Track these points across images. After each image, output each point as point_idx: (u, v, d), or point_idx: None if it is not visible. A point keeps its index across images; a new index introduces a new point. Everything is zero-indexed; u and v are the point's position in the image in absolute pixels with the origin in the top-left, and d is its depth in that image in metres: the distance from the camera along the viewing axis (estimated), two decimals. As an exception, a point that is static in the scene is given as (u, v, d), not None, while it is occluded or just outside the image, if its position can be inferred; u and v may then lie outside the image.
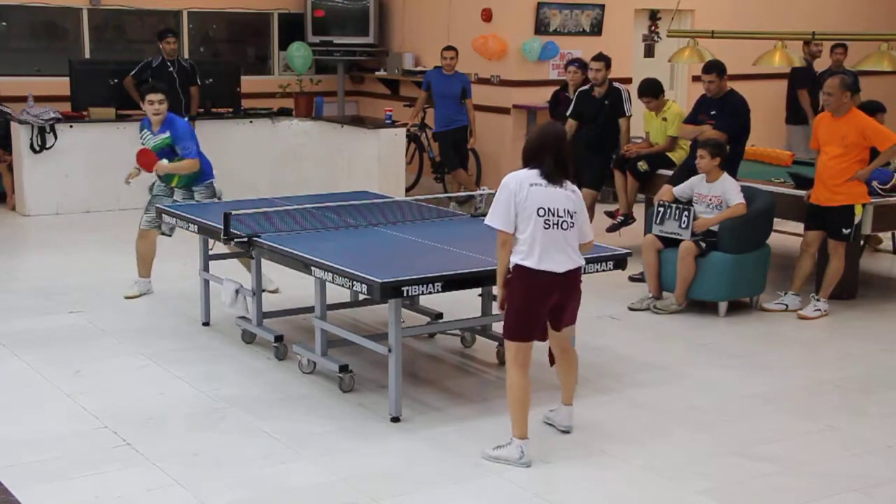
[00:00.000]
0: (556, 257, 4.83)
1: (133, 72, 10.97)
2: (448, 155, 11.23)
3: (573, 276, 4.94)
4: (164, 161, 7.53)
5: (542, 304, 4.89)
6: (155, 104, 7.51)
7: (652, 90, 9.05)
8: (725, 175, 7.54)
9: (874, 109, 8.24)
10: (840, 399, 6.03)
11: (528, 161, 4.92)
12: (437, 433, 5.32)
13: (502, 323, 5.00)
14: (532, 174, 4.85)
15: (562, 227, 4.83)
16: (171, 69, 10.88)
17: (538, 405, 5.73)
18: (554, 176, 4.84)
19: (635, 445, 5.22)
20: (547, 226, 4.79)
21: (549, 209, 4.80)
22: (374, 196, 7.70)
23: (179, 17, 12.65)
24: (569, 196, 4.89)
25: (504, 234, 4.84)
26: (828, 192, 7.51)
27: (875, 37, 9.66)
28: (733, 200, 7.45)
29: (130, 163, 11.10)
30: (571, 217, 4.86)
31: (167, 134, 7.54)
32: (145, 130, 7.66)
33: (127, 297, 7.71)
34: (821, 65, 11.86)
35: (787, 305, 7.69)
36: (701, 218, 7.50)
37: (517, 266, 4.86)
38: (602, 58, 9.40)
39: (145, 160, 7.54)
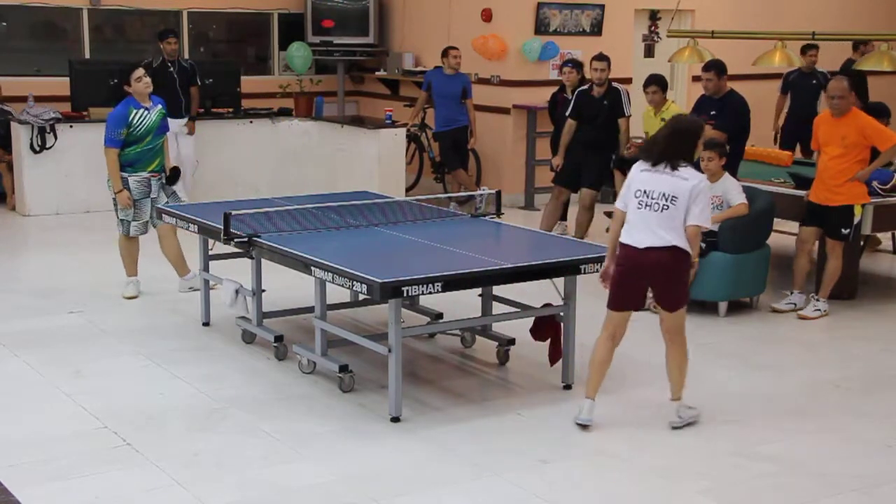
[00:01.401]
0: (638, 235, 5.25)
1: None
2: (448, 155, 11.23)
3: (653, 255, 5.25)
4: (170, 163, 7.83)
5: (626, 276, 5.35)
6: (143, 78, 7.55)
7: (660, 81, 9.09)
8: (726, 175, 7.54)
9: (879, 112, 8.24)
10: (840, 399, 6.03)
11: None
12: (437, 433, 5.32)
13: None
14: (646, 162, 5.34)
15: (653, 209, 5.21)
16: (172, 69, 10.88)
17: (539, 405, 5.74)
18: (658, 160, 5.25)
19: (635, 445, 5.22)
20: (640, 206, 5.25)
21: (645, 191, 5.23)
22: (374, 196, 7.70)
23: (179, 17, 12.66)
24: (674, 181, 5.22)
25: (617, 211, 5.39)
26: (828, 192, 7.51)
27: (875, 37, 9.67)
28: (735, 200, 7.44)
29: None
30: (668, 200, 5.19)
31: (160, 106, 7.67)
32: (136, 110, 7.52)
33: (127, 298, 7.71)
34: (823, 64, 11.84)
35: (795, 304, 7.68)
36: None
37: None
38: (604, 57, 9.41)
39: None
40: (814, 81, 11.11)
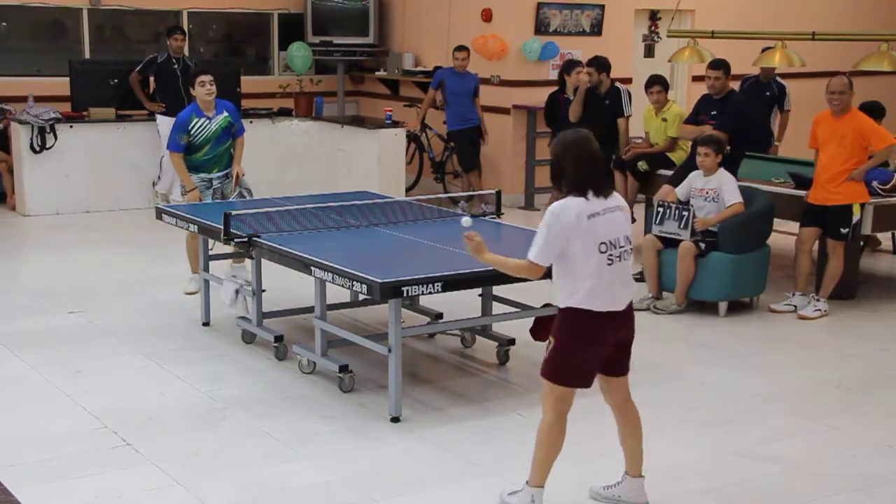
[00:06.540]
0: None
1: (138, 67, 10.99)
2: (468, 153, 11.22)
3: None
4: (239, 165, 7.75)
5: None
6: (206, 85, 7.46)
7: (663, 81, 9.10)
8: (722, 170, 7.55)
9: (874, 111, 8.23)
10: (840, 399, 6.03)
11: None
12: (437, 433, 5.32)
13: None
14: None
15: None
16: (176, 66, 10.87)
17: (539, 405, 5.74)
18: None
19: (635, 445, 5.21)
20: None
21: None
22: (374, 196, 7.71)
23: (179, 17, 12.64)
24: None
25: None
26: (826, 192, 7.51)
27: (875, 37, 9.66)
28: (730, 199, 7.44)
29: (130, 163, 11.19)
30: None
31: (225, 113, 7.61)
32: (197, 118, 7.50)
33: (188, 293, 7.71)
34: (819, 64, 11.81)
35: (795, 306, 7.67)
36: (700, 219, 7.49)
37: None
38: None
39: (235, 182, 7.73)
40: (767, 93, 10.46)
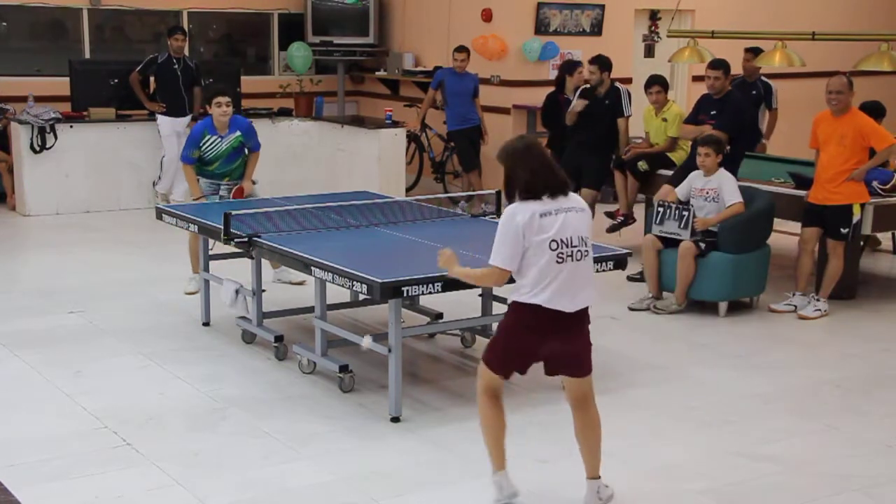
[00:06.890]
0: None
1: (138, 67, 10.99)
2: (468, 154, 11.22)
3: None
4: (248, 181, 7.71)
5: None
6: (223, 106, 7.51)
7: (663, 81, 9.11)
8: (722, 170, 7.55)
9: (875, 111, 8.23)
10: (840, 399, 6.03)
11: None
12: (437, 433, 5.32)
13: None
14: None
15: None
16: (176, 66, 10.87)
17: (539, 405, 5.73)
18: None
19: (635, 445, 5.22)
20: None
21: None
22: (374, 196, 7.71)
23: (179, 17, 12.65)
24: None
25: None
26: (826, 192, 7.51)
27: (875, 37, 9.67)
28: (730, 199, 7.44)
29: (130, 163, 11.20)
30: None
31: (237, 133, 7.62)
32: (209, 136, 7.55)
33: (188, 293, 7.73)
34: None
35: (795, 306, 7.67)
36: (700, 218, 7.49)
37: None
38: (599, 61, 9.40)
39: (238, 195, 7.67)
40: (753, 92, 10.30)
